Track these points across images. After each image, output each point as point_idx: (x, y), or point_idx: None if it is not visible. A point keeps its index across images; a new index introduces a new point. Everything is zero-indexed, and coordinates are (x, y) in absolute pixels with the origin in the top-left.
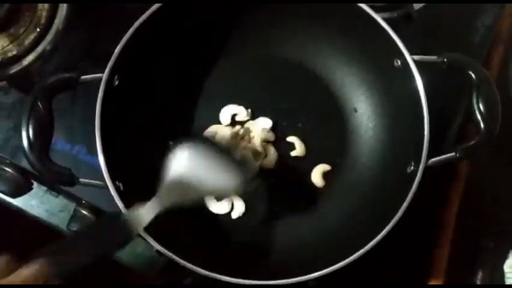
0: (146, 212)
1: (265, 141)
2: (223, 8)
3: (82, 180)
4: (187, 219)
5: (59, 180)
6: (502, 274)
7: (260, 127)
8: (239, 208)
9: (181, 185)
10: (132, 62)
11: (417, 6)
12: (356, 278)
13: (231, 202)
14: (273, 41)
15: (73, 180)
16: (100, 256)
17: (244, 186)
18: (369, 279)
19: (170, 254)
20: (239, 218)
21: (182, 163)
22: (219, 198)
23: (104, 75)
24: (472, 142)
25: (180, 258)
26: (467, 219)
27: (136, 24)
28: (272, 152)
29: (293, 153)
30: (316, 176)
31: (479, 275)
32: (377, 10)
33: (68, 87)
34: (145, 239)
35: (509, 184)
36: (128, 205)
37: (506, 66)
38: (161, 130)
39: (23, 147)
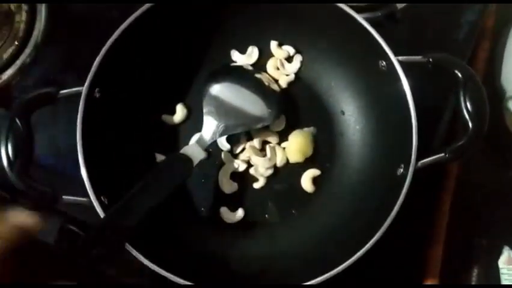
0: (198, 147)
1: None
2: (202, 16)
3: (64, 197)
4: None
5: (40, 199)
6: (497, 271)
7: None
8: (239, 213)
9: (219, 107)
10: (113, 72)
11: (400, 5)
12: (349, 280)
13: (243, 210)
14: (254, 44)
15: (55, 199)
16: (170, 192)
17: (274, 115)
18: (363, 281)
19: (156, 267)
20: (232, 225)
21: (219, 86)
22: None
23: (84, 89)
24: (461, 142)
25: (167, 271)
26: (459, 217)
27: (115, 35)
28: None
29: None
30: (306, 182)
31: (474, 272)
32: (359, 10)
33: (47, 103)
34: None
35: (500, 181)
36: None
37: (492, 62)
38: (147, 141)
39: (2, 166)
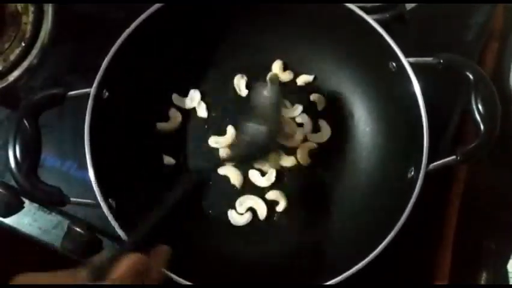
0: None
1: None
2: (211, 18)
3: (72, 199)
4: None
5: (48, 201)
6: (505, 274)
7: None
8: (247, 216)
9: None
10: (121, 72)
11: (409, 6)
12: (359, 282)
13: (251, 214)
14: (262, 47)
15: (63, 200)
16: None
17: None
18: (372, 283)
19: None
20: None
21: None
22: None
23: (92, 90)
24: (473, 144)
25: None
26: (469, 220)
27: (124, 35)
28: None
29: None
30: (302, 154)
31: (483, 276)
32: (368, 11)
33: (55, 104)
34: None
35: (509, 183)
36: (121, 223)
37: (501, 63)
38: (155, 142)
39: (10, 168)
